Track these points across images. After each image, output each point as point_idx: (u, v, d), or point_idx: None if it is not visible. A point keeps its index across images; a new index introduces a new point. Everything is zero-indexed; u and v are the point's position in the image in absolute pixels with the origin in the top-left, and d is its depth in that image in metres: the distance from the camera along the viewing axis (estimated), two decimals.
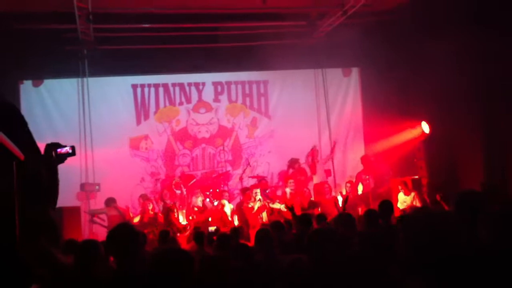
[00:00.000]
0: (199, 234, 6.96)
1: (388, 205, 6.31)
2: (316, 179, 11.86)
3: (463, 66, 9.48)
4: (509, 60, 8.76)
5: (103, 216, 10.63)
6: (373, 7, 10.43)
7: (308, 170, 11.99)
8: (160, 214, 10.33)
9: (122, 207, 10.60)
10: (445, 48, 9.14)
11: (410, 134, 11.74)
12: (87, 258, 3.61)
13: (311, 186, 11.74)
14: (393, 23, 11.08)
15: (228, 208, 10.44)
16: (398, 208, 10.21)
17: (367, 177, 11.44)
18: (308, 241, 3.74)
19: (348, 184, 11.22)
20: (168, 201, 10.65)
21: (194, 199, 10.54)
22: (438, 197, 9.08)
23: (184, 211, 10.44)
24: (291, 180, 11.14)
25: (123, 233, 3.22)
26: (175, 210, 9.98)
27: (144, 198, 10.86)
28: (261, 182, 11.39)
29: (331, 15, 10.67)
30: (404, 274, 2.87)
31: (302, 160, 12.09)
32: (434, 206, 9.13)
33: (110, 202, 10.51)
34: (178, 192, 11.19)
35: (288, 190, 10.82)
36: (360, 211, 10.32)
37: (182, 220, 10.15)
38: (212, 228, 9.47)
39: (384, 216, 6.06)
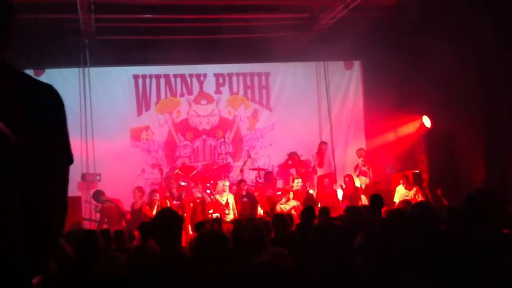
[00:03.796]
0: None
1: (378, 199, 6.36)
2: (320, 172, 11.85)
3: (465, 61, 9.45)
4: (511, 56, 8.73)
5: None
6: (375, 1, 10.38)
7: (313, 162, 11.99)
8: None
9: (114, 198, 10.51)
10: (448, 43, 9.10)
11: (411, 128, 11.73)
12: (86, 248, 3.63)
13: (313, 179, 11.80)
14: (395, 17, 11.03)
15: (231, 199, 10.43)
16: (395, 202, 10.22)
17: (365, 168, 11.47)
18: (313, 235, 3.73)
19: (346, 179, 11.21)
20: (174, 192, 10.66)
21: (194, 191, 10.52)
22: (439, 192, 9.09)
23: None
24: (299, 179, 10.98)
25: (168, 217, 3.34)
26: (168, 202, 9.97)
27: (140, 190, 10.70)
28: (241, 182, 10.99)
29: (333, 8, 10.63)
30: (403, 272, 2.87)
31: (301, 153, 12.12)
32: (434, 201, 9.15)
33: (100, 196, 10.40)
34: (183, 184, 11.16)
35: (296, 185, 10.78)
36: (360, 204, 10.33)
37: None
38: (215, 215, 9.43)
39: (374, 210, 6.12)
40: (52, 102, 1.63)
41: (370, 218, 5.46)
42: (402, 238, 3.24)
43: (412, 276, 2.78)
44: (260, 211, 10.50)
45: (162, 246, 3.27)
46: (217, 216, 9.23)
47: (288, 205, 9.97)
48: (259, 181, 11.67)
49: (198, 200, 10.32)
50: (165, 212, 3.52)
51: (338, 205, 10.45)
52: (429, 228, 3.45)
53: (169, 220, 3.28)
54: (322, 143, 12.14)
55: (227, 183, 10.52)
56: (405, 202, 8.62)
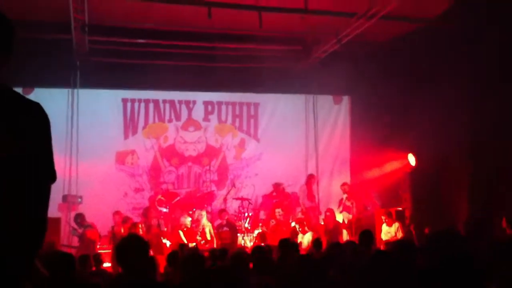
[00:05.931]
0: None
1: (368, 235, 6.31)
2: (308, 204, 11.91)
3: (453, 101, 9.59)
4: (496, 95, 8.87)
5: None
6: (367, 38, 10.56)
7: (302, 194, 12.01)
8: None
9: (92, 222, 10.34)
10: (436, 82, 9.23)
11: (396, 165, 11.78)
12: (61, 271, 3.55)
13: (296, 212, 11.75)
14: (385, 55, 11.22)
15: (207, 228, 10.37)
16: (382, 239, 10.20)
17: (349, 203, 11.47)
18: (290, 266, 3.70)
19: (328, 213, 11.17)
20: (154, 219, 10.52)
21: (182, 219, 10.41)
22: (426, 231, 9.09)
23: (165, 229, 10.29)
24: (279, 210, 11.08)
25: (136, 244, 3.30)
26: (140, 227, 9.77)
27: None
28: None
29: (325, 42, 10.79)
30: None
31: (287, 184, 12.15)
32: (420, 240, 9.15)
33: (82, 221, 10.23)
34: (164, 210, 11.06)
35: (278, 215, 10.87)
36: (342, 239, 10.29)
37: (165, 240, 10.00)
38: (192, 245, 9.39)
39: (365, 246, 6.06)
40: (37, 119, 1.63)
41: (357, 255, 5.42)
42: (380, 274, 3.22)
43: None
44: (241, 241, 10.42)
45: (128, 272, 3.21)
46: (193, 245, 9.18)
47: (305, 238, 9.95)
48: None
49: (185, 228, 10.24)
50: (128, 239, 3.48)
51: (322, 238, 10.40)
52: (407, 264, 3.45)
53: (133, 247, 3.24)
54: (310, 176, 12.17)
55: (204, 212, 10.52)
56: (388, 244, 8.62)
